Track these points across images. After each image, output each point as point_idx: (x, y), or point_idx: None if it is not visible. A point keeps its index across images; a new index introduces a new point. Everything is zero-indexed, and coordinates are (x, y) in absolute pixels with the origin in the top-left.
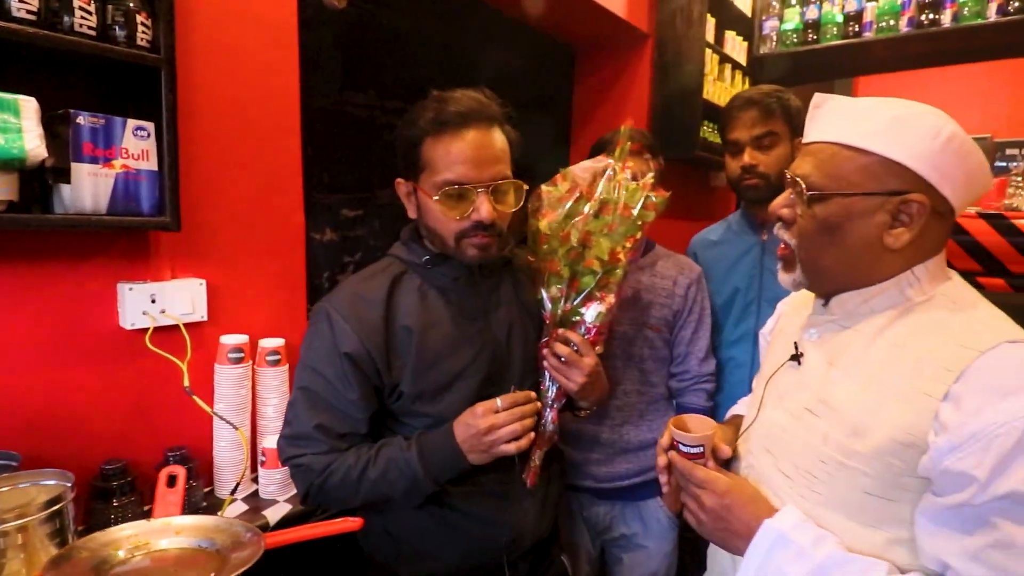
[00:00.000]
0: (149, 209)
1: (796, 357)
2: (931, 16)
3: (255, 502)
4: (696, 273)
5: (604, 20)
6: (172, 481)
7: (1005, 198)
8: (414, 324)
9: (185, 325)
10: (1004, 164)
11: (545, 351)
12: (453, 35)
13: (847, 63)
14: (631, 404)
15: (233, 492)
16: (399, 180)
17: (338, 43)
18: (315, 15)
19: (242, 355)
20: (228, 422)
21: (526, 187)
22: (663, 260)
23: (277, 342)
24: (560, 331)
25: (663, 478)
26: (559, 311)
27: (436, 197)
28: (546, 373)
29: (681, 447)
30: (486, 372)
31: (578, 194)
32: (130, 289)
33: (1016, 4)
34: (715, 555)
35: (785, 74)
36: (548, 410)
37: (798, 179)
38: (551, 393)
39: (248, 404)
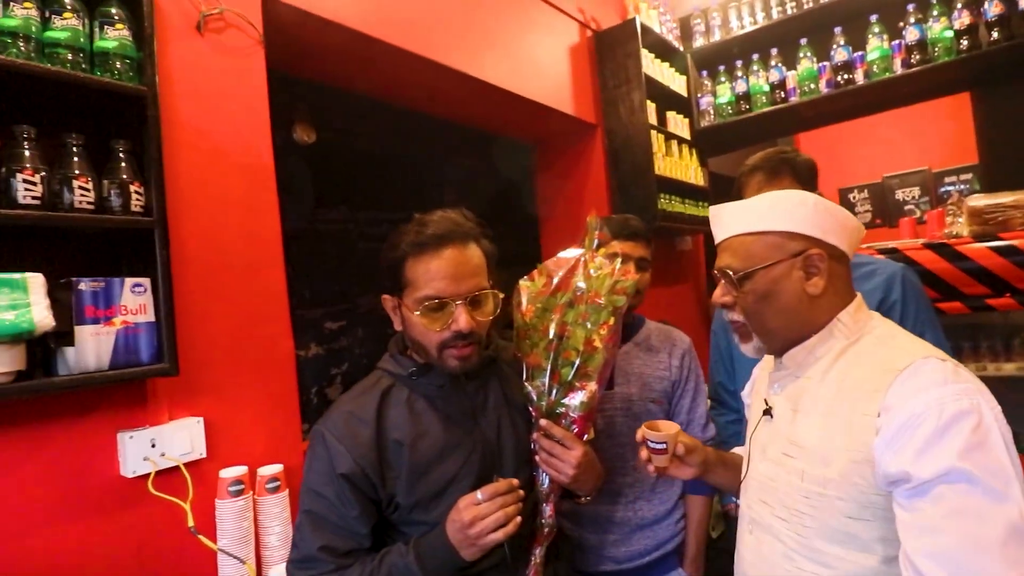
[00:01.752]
0: (148, 358)
1: (768, 411)
2: (846, 76)
3: None
4: (687, 343)
5: (556, 118)
6: None
7: (946, 227)
8: (404, 436)
9: (185, 464)
10: (944, 190)
11: (535, 446)
12: (419, 149)
13: (780, 125)
14: (642, 479)
15: None
16: (385, 296)
17: (309, 168)
18: (286, 146)
19: (242, 487)
20: (235, 556)
21: (502, 295)
22: (655, 334)
23: (275, 468)
24: (544, 424)
25: (643, 456)
26: (544, 404)
27: (418, 312)
28: (539, 468)
29: (649, 443)
30: (478, 473)
31: (554, 286)
32: (130, 437)
33: (917, 56)
34: None
35: (727, 142)
36: (545, 504)
37: (725, 270)
38: (545, 487)
39: (251, 536)
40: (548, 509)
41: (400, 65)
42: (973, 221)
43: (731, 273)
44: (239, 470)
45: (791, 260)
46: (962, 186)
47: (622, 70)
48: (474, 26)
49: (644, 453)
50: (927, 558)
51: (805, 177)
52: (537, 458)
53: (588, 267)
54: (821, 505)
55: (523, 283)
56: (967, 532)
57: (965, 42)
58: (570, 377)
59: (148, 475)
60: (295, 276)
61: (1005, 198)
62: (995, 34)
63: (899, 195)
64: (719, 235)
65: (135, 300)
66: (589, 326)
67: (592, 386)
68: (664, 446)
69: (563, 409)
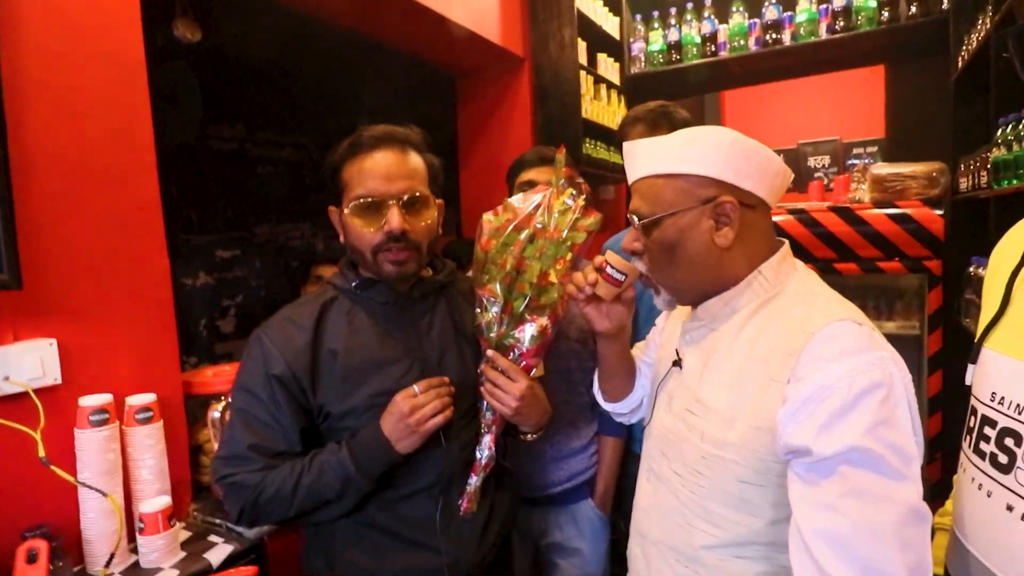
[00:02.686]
0: None
1: (678, 362)
2: (774, 36)
3: (136, 573)
4: None
5: (480, 47)
6: (33, 558)
7: (850, 192)
8: (339, 346)
9: (35, 391)
10: (854, 162)
11: (481, 376)
12: (329, 68)
13: (708, 80)
14: (560, 414)
15: (108, 564)
16: (331, 208)
17: (197, 76)
18: (168, 48)
19: (106, 416)
20: (96, 489)
21: (441, 202)
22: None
23: (148, 398)
24: (491, 354)
25: (586, 289)
26: (494, 335)
27: (348, 210)
28: (484, 399)
29: (608, 269)
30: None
31: (517, 222)
32: None
33: (842, 23)
34: (633, 556)
35: (656, 92)
36: (486, 435)
37: (632, 214)
38: (488, 418)
39: (118, 468)
40: (488, 440)
41: None
42: (874, 188)
43: (637, 219)
44: (102, 398)
45: (700, 208)
46: (868, 159)
47: (554, 3)
48: None
49: (592, 276)
50: (819, 537)
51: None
52: (482, 388)
53: (553, 204)
54: (717, 467)
55: (486, 217)
56: (864, 515)
57: (886, 14)
58: (521, 309)
59: None
60: (181, 197)
61: (905, 168)
62: (914, 9)
63: (811, 162)
64: (631, 175)
65: None
66: (546, 261)
67: (544, 321)
68: (623, 278)
69: (512, 341)
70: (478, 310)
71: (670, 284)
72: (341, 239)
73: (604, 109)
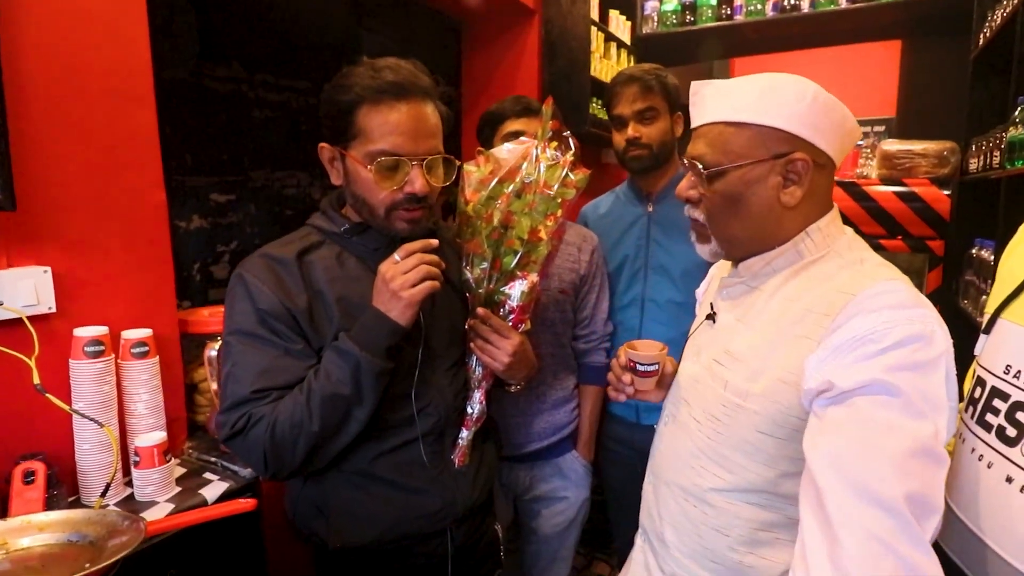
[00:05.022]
0: None
1: (711, 316)
2: (792, 2)
3: (131, 505)
4: (596, 241)
5: None
6: (29, 479)
7: (858, 168)
8: (333, 288)
9: (29, 318)
10: (861, 142)
11: (470, 332)
12: (331, 7)
13: (721, 44)
14: (546, 366)
15: (103, 494)
16: (323, 145)
17: (193, 6)
18: None
19: (102, 348)
20: (92, 419)
21: (458, 163)
22: (566, 229)
23: (143, 332)
24: (480, 312)
25: (627, 390)
26: (482, 291)
27: (370, 167)
28: (473, 354)
29: (639, 367)
30: (409, 339)
31: (501, 175)
32: None
33: None
34: (645, 494)
35: (666, 54)
36: (476, 391)
37: (695, 161)
38: (477, 373)
39: (114, 401)
40: (479, 395)
41: None
42: (883, 164)
43: (701, 167)
44: (99, 330)
45: (771, 162)
46: (874, 138)
47: None
48: None
49: (627, 378)
50: (821, 458)
51: (673, 100)
52: (472, 345)
53: (540, 157)
54: (737, 416)
55: (468, 168)
56: (869, 438)
57: None
58: (512, 266)
59: None
60: (174, 136)
61: (915, 145)
62: None
63: None
64: (697, 118)
65: None
66: (536, 216)
67: (533, 277)
68: (656, 368)
69: (501, 298)
70: (465, 266)
71: (724, 237)
72: (334, 180)
73: (613, 69)
